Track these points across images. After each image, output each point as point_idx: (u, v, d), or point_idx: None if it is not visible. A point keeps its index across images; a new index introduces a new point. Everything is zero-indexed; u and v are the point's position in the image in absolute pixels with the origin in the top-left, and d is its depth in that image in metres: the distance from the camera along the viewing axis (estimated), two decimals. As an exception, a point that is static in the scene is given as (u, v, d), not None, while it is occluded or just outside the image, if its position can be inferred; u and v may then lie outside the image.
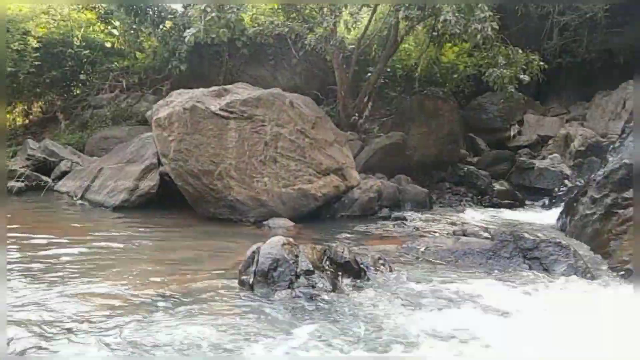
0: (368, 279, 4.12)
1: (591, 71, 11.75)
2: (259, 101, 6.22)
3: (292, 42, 9.69)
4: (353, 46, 9.81)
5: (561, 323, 3.18)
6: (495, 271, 4.42)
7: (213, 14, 7.19)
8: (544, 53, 11.09)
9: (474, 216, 7.16)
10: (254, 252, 4.07)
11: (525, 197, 8.38)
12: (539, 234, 4.78)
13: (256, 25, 9.61)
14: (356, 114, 9.62)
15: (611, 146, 6.31)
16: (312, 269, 3.87)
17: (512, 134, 11.05)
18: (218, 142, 6.00)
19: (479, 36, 6.67)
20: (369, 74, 9.87)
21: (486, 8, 6.71)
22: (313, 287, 3.72)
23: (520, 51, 8.36)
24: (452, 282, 4.00)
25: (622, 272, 4.46)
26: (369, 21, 9.42)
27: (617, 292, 3.91)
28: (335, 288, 3.81)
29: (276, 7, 9.61)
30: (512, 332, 3.03)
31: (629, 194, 5.30)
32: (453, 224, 6.48)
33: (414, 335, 2.98)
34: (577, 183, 7.81)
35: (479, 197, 8.45)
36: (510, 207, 7.99)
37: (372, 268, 4.30)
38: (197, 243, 5.21)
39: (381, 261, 4.41)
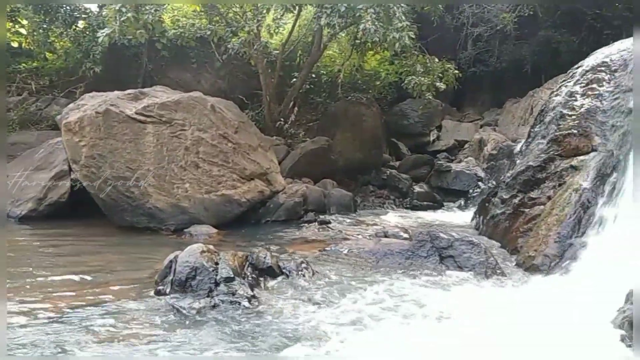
0: (290, 283, 4.12)
1: (502, 80, 12.53)
2: (178, 105, 6.04)
3: (215, 46, 9.51)
4: (278, 51, 9.81)
5: (462, 318, 3.36)
6: (413, 270, 4.57)
7: (129, 14, 6.89)
8: (459, 62, 11.71)
9: (396, 218, 7.38)
10: (171, 261, 3.93)
11: (443, 198, 8.77)
12: (454, 234, 4.99)
13: (177, 27, 9.35)
14: (282, 119, 9.61)
15: (519, 149, 6.75)
16: (232, 276, 3.81)
17: (431, 138, 11.53)
18: (134, 147, 5.75)
19: (397, 45, 6.90)
20: (295, 80, 9.91)
21: (403, 18, 6.96)
22: (233, 294, 3.66)
23: (437, 60, 8.76)
24: (371, 282, 4.09)
25: (528, 267, 4.79)
26: (293, 27, 9.46)
27: (519, 286, 4.19)
28: (256, 294, 3.77)
29: (198, 9, 9.40)
30: (421, 329, 3.16)
31: (534, 194, 5.71)
32: (375, 226, 6.64)
33: (330, 335, 3.01)
34: (490, 184, 8.28)
35: (401, 199, 8.73)
36: (429, 208, 8.32)
37: (294, 272, 4.30)
38: (111, 254, 4.96)
39: (304, 265, 4.42)
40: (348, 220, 7.06)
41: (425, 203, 8.45)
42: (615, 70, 5.62)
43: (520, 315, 3.46)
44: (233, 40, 8.89)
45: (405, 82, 8.46)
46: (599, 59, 5.95)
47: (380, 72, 11.02)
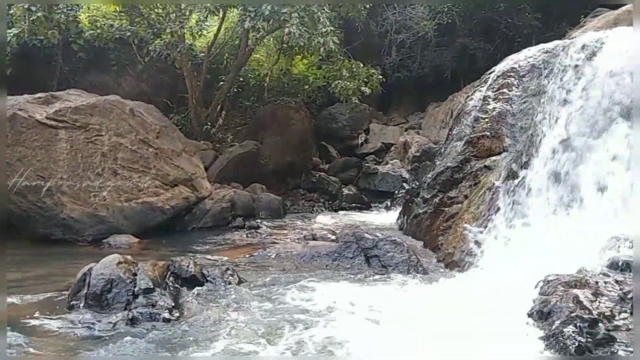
0: (215, 291, 4.03)
1: (425, 84, 13.04)
2: (94, 109, 5.74)
3: (136, 47, 9.16)
4: (204, 54, 9.62)
5: (383, 315, 3.45)
6: (339, 271, 4.64)
7: (39, 14, 6.48)
8: (384, 68, 12.07)
9: (325, 220, 7.44)
10: (85, 274, 3.74)
11: (371, 200, 9.00)
12: (378, 234, 5.12)
13: (95, 27, 8.91)
14: (209, 123, 9.43)
15: (439, 151, 7.05)
16: (152, 286, 3.68)
17: (359, 142, 11.77)
18: (46, 154, 5.40)
19: (322, 49, 7.01)
20: (222, 83, 9.76)
21: (328, 23, 7.08)
22: (153, 306, 3.53)
23: (362, 65, 8.98)
24: (297, 286, 4.08)
25: (448, 263, 5.01)
26: (218, 29, 9.32)
27: (439, 282, 4.37)
28: (178, 305, 3.66)
29: (119, 9, 9.00)
30: (342, 329, 3.20)
31: (452, 193, 5.97)
32: (304, 229, 6.67)
33: (253, 342, 2.98)
34: (413, 185, 8.57)
35: (330, 202, 8.85)
36: (358, 209, 8.51)
37: (219, 279, 4.22)
38: (22, 268, 4.61)
39: (229, 272, 4.35)
40: (277, 225, 7.04)
41: (353, 205, 8.63)
42: (523, 76, 6.00)
43: (438, 310, 3.60)
44: (156, 42, 8.61)
45: (332, 86, 8.61)
46: (508, 65, 6.33)
47: (309, 76, 11.12)
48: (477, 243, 4.90)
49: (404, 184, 8.94)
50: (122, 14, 8.92)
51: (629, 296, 3.09)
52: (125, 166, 5.76)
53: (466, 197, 5.64)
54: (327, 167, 10.30)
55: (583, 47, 5.39)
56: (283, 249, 5.27)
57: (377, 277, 4.49)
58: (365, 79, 8.92)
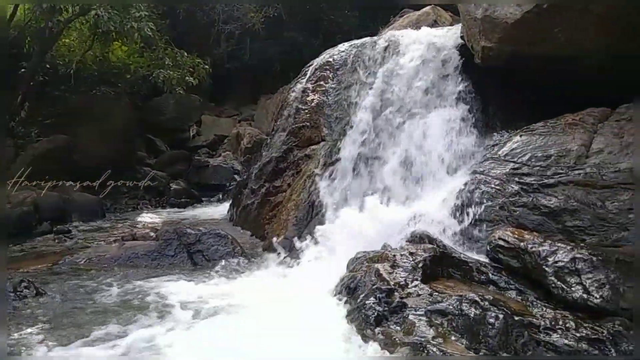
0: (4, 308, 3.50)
1: (256, 76, 13.14)
2: None
3: None
4: None
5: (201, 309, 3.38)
6: (159, 271, 4.41)
7: None
8: (214, 58, 11.82)
9: (151, 219, 7.04)
10: None
11: (202, 194, 8.76)
12: (201, 228, 4.99)
13: None
14: (8, 116, 8.15)
15: (264, 142, 7.13)
16: None
17: (191, 134, 11.37)
18: None
19: (136, 35, 6.53)
20: (23, 70, 8.50)
21: (142, 8, 6.62)
22: None
23: (186, 54, 8.62)
24: (103, 292, 3.77)
25: (272, 251, 5.09)
26: (15, 9, 8.09)
27: (260, 269, 4.43)
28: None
29: None
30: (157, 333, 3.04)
31: (277, 183, 6.08)
32: (125, 229, 6.20)
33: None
34: (244, 177, 8.58)
35: (158, 198, 8.38)
36: (188, 205, 8.20)
37: (11, 294, 3.69)
38: None
39: (24, 284, 3.84)
40: (94, 228, 6.44)
41: (183, 200, 8.30)
42: (338, 69, 6.35)
43: (257, 296, 3.63)
44: None
45: (154, 75, 8.12)
46: (325, 58, 6.63)
47: (130, 64, 10.31)
48: (299, 229, 5.07)
49: (236, 176, 8.88)
50: None
51: (419, 265, 3.46)
52: None
53: (289, 185, 5.80)
54: (154, 161, 9.73)
55: (386, 42, 5.93)
56: (95, 254, 4.81)
57: (199, 272, 4.38)
58: (191, 69, 8.60)
